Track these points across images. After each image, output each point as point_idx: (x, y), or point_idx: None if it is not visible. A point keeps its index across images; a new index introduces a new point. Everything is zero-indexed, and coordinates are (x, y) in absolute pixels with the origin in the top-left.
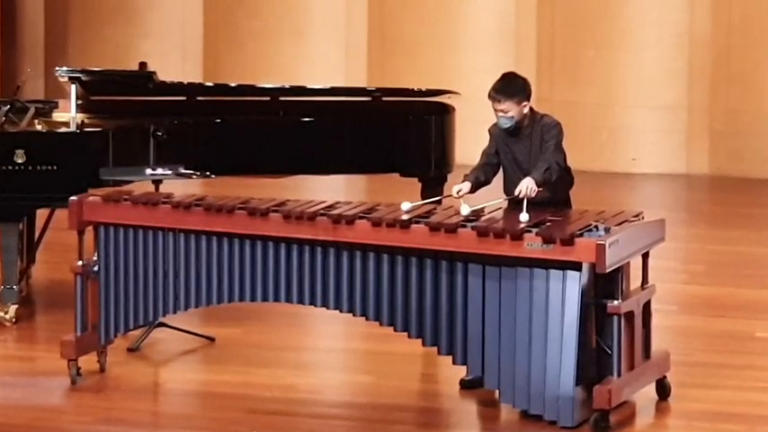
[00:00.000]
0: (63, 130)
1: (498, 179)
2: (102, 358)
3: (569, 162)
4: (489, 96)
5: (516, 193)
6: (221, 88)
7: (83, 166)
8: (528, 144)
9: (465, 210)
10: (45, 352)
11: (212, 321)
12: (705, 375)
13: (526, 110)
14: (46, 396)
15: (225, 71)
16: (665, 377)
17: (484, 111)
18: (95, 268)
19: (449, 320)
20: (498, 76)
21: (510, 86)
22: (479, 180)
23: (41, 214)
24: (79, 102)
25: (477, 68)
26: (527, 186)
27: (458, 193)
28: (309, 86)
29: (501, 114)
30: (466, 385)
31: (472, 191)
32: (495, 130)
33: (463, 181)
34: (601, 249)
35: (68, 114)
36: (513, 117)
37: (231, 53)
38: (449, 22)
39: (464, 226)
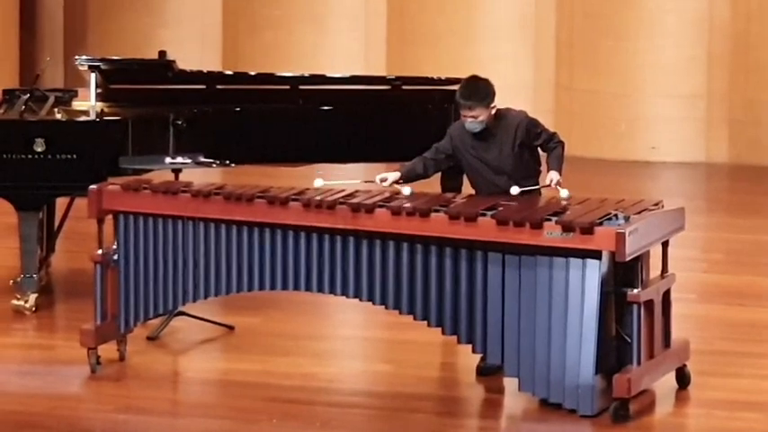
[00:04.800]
0: (82, 118)
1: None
2: (121, 347)
3: (587, 151)
4: (458, 104)
5: (548, 182)
6: (241, 77)
7: (102, 155)
8: (497, 143)
9: (318, 183)
10: (64, 341)
11: (232, 310)
12: (725, 364)
13: (493, 111)
14: (65, 385)
15: (244, 60)
16: (684, 366)
17: (503, 99)
18: (115, 257)
19: (468, 309)
20: (518, 65)
21: (479, 91)
22: (416, 171)
23: (61, 203)
24: (98, 90)
25: (496, 57)
26: (557, 179)
27: (381, 181)
28: (329, 75)
29: (471, 119)
30: (483, 372)
31: (403, 181)
32: (455, 132)
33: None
34: (620, 238)
35: (88, 103)
36: (483, 121)
37: (250, 42)
38: (468, 10)
39: (484, 215)
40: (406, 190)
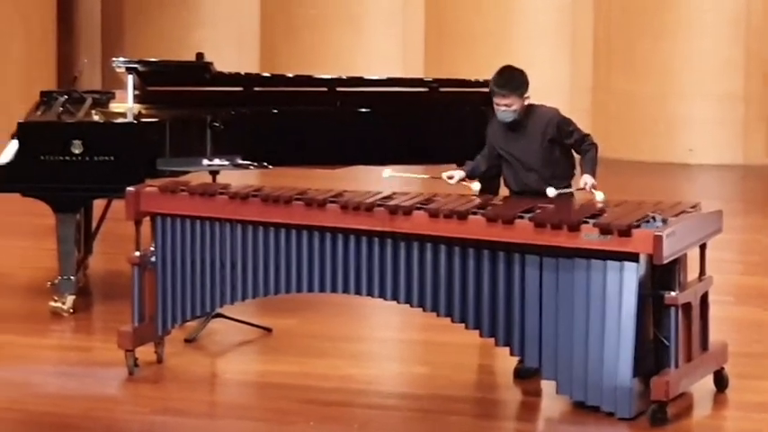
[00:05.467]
0: (120, 120)
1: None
2: (159, 349)
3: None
4: (491, 92)
5: (582, 185)
6: (278, 79)
7: (140, 157)
8: (526, 137)
9: (386, 173)
10: (102, 342)
11: (269, 312)
12: (763, 366)
13: (527, 102)
14: (103, 387)
15: (281, 62)
16: (722, 368)
17: (540, 100)
18: (152, 259)
19: (506, 311)
20: (555, 66)
21: (514, 80)
22: (479, 168)
23: (98, 205)
24: (136, 92)
25: (533, 58)
26: (591, 182)
27: (449, 178)
28: (366, 77)
29: (504, 108)
30: (520, 375)
31: (468, 178)
32: (490, 128)
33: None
34: (658, 240)
35: (125, 105)
36: (516, 110)
37: (288, 43)
38: (506, 12)
39: (521, 217)
40: (475, 185)
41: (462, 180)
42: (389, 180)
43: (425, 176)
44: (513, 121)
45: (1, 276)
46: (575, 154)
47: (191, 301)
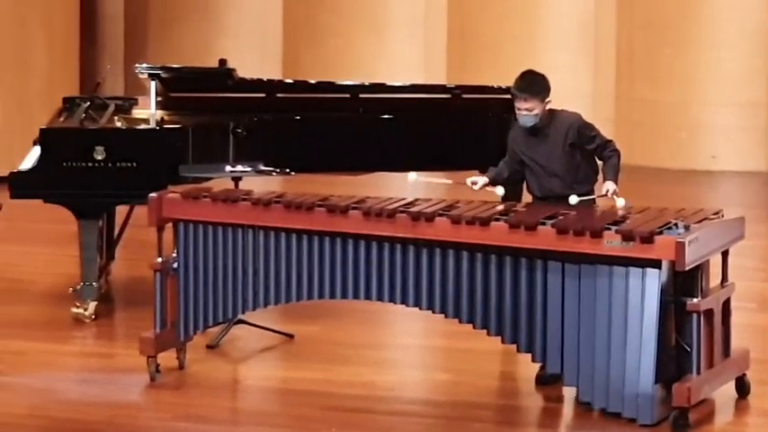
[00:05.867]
0: (143, 126)
1: None
2: (181, 355)
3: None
4: (513, 96)
5: (604, 192)
6: (301, 85)
7: (162, 163)
8: (548, 142)
9: (412, 176)
10: (124, 349)
11: (291, 318)
12: None
13: (548, 107)
14: (124, 393)
15: (304, 68)
16: (744, 375)
17: (563, 107)
18: (174, 265)
19: (528, 318)
20: (577, 74)
21: (535, 84)
22: (502, 175)
23: (121, 211)
24: (159, 99)
25: (557, 66)
26: (613, 189)
27: (473, 184)
28: (389, 83)
29: (525, 112)
30: (542, 381)
31: (491, 184)
32: (511, 134)
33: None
34: (680, 247)
35: (148, 111)
36: (537, 115)
37: (311, 50)
38: (529, 19)
39: (543, 224)
40: (499, 190)
41: (486, 186)
42: (414, 184)
43: (449, 182)
44: (534, 127)
45: (23, 283)
46: (597, 160)
47: (213, 307)
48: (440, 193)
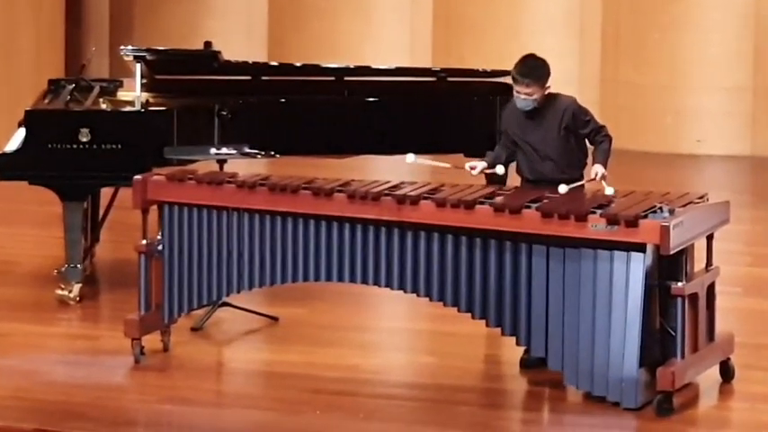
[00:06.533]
0: (127, 109)
1: None
2: (165, 337)
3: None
4: (514, 80)
5: (593, 176)
6: (286, 68)
7: (147, 146)
8: (543, 125)
9: (410, 158)
10: (108, 331)
11: (276, 301)
12: None
13: (547, 91)
14: (109, 375)
15: (290, 51)
16: (728, 359)
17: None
18: (159, 247)
19: (512, 301)
20: (563, 58)
21: (537, 69)
22: (500, 158)
23: (106, 193)
24: (144, 81)
25: (542, 50)
26: (602, 172)
27: (471, 169)
28: (374, 66)
29: (525, 97)
30: (526, 365)
31: (489, 168)
32: (504, 115)
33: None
34: (665, 231)
35: (133, 93)
36: (536, 100)
37: (296, 32)
38: (514, 2)
39: (528, 207)
40: (499, 169)
41: (484, 170)
42: (411, 165)
43: (447, 165)
44: (531, 110)
45: (8, 264)
46: (588, 144)
47: (197, 289)
48: (436, 176)
